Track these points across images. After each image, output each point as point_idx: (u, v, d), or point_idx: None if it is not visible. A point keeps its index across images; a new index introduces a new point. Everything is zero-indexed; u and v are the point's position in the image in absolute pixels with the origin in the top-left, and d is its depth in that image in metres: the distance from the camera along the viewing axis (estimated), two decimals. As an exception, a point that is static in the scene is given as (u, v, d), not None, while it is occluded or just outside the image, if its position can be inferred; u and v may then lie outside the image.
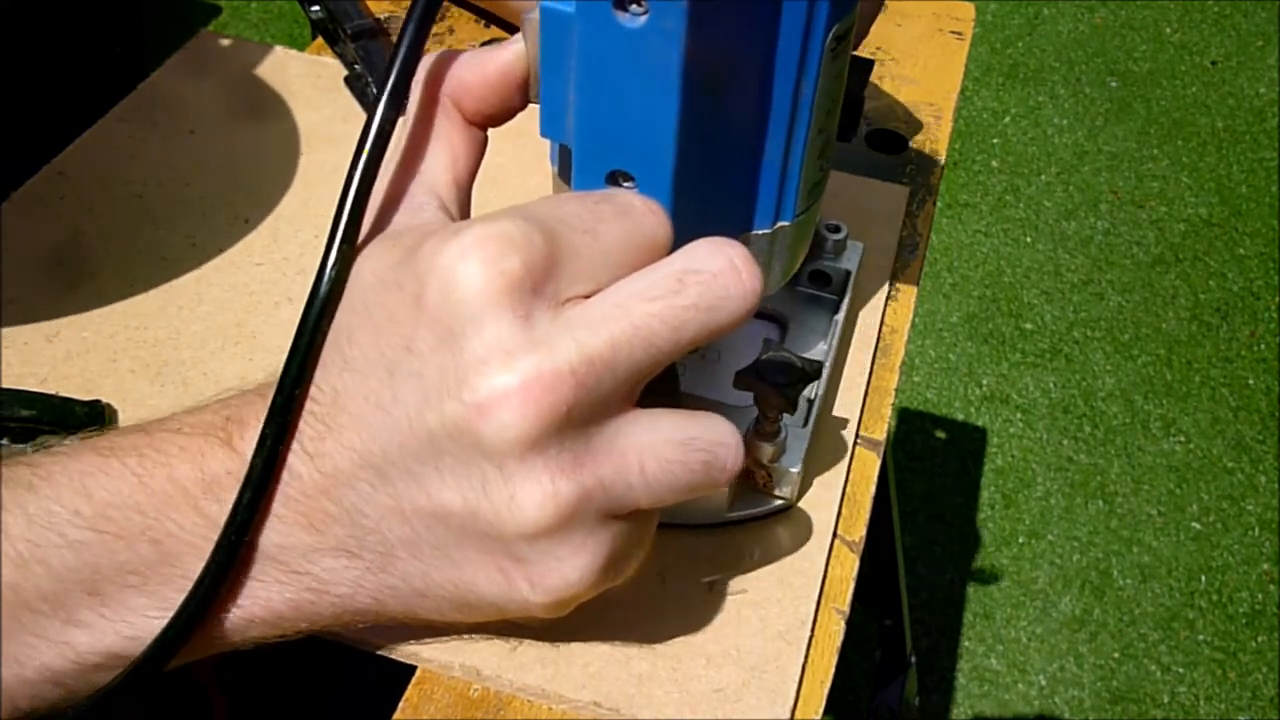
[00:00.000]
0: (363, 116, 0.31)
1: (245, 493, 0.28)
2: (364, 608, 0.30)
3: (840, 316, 0.45)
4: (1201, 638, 1.42)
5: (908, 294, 0.50)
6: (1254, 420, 1.66)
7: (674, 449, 0.28)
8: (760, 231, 0.35)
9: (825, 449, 0.42)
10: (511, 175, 0.53)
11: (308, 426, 0.28)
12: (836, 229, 0.46)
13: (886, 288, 0.49)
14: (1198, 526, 1.53)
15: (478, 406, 0.26)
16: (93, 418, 0.41)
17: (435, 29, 0.63)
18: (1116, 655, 1.40)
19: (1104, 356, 1.74)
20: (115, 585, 0.29)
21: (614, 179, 0.31)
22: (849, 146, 0.58)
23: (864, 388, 0.45)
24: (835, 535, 0.40)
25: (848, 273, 0.46)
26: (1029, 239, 1.92)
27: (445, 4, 0.64)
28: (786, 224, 0.35)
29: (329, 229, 0.29)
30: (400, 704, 0.35)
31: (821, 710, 0.36)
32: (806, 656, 0.37)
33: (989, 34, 2.32)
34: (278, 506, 0.29)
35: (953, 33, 0.66)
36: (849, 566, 0.40)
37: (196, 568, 0.29)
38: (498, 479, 0.27)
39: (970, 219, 1.95)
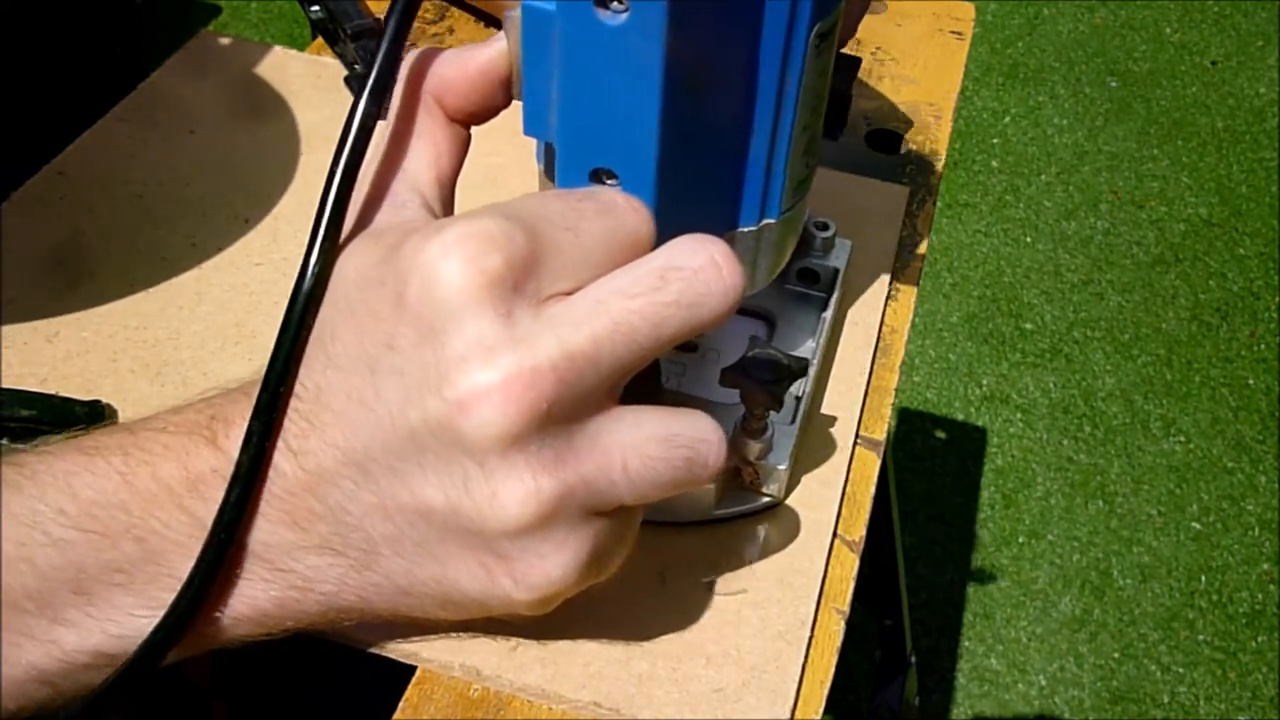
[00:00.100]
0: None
1: (233, 490, 0.28)
2: (349, 605, 0.30)
3: (828, 314, 0.45)
4: (1201, 638, 1.42)
5: (908, 294, 0.50)
6: (1254, 420, 1.66)
7: (656, 445, 0.28)
8: (746, 229, 0.35)
9: (815, 446, 0.42)
10: (511, 175, 0.53)
11: (291, 424, 0.28)
12: (825, 226, 0.46)
13: (886, 288, 0.49)
14: (1198, 526, 1.53)
15: (459, 403, 0.26)
16: (93, 418, 0.41)
17: (435, 29, 0.63)
18: (1116, 655, 1.40)
19: (1104, 356, 1.74)
20: (101, 584, 0.29)
21: (597, 176, 0.31)
22: (849, 146, 0.58)
23: (864, 388, 0.45)
24: (835, 535, 0.40)
25: (836, 270, 0.46)
26: (1029, 239, 1.92)
27: (445, 5, 0.64)
28: (772, 221, 0.35)
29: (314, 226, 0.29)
30: (400, 704, 0.35)
31: (821, 710, 0.36)
32: (806, 656, 0.37)
33: (989, 34, 2.32)
34: (262, 504, 0.29)
35: (953, 33, 0.66)
36: (849, 566, 0.40)
37: (182, 566, 0.29)
38: (479, 476, 0.27)
39: (970, 219, 1.95)
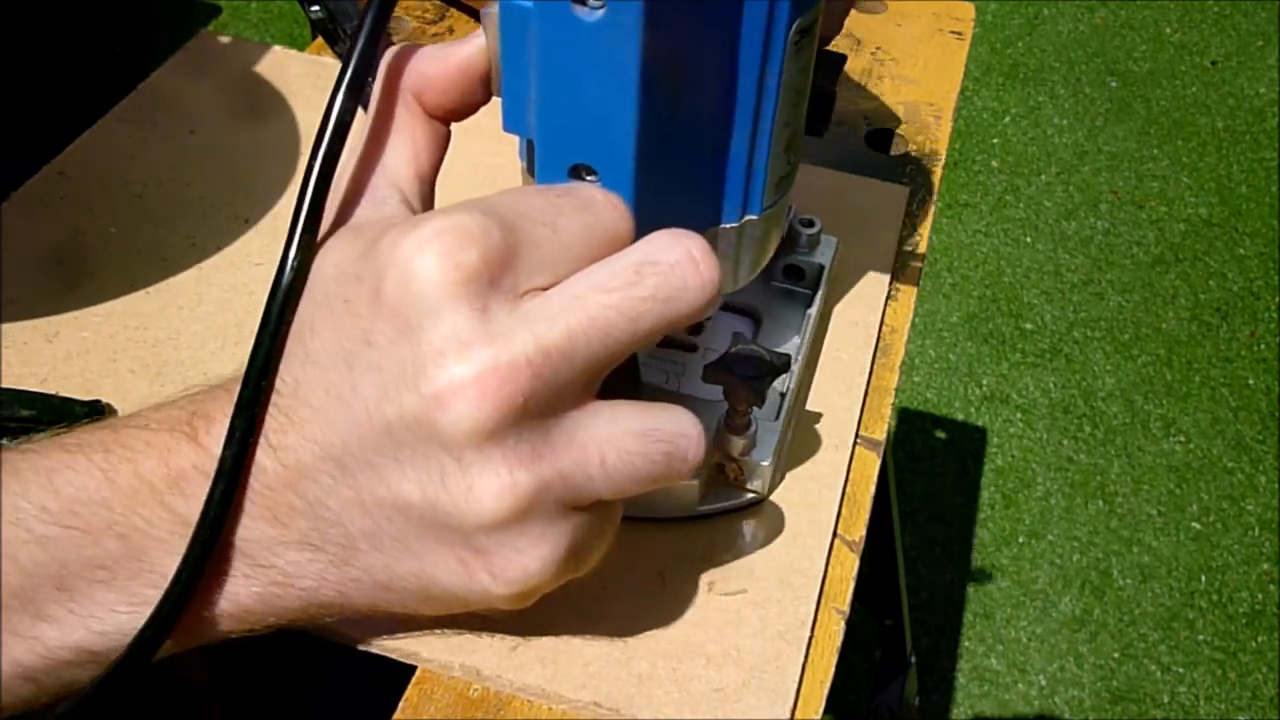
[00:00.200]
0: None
1: (217, 486, 0.28)
2: (329, 601, 0.30)
3: (813, 310, 0.45)
4: (1201, 638, 1.42)
5: (908, 294, 0.50)
6: (1254, 420, 1.66)
7: (634, 440, 0.28)
8: (728, 225, 0.35)
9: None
10: (512, 176, 0.53)
11: (271, 419, 0.28)
12: (810, 223, 0.46)
13: (886, 288, 0.49)
14: (1198, 526, 1.53)
15: (434, 398, 0.26)
16: (92, 418, 0.41)
17: (434, 29, 0.63)
18: (1116, 655, 1.40)
19: (1104, 356, 1.74)
20: (83, 580, 0.29)
21: (577, 173, 0.32)
22: (849, 146, 0.58)
23: (864, 388, 0.45)
24: (835, 535, 0.40)
25: (821, 267, 0.46)
26: (1029, 239, 1.92)
27: (444, 5, 0.64)
28: (754, 218, 0.35)
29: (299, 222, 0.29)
30: (400, 704, 0.35)
31: (821, 710, 0.36)
32: (806, 656, 0.37)
33: (989, 34, 2.32)
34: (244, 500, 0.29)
35: (953, 33, 0.66)
36: (849, 566, 0.40)
37: (164, 562, 0.29)
38: (455, 470, 0.27)
39: (970, 219, 1.95)
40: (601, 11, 0.28)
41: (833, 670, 0.37)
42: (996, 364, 1.73)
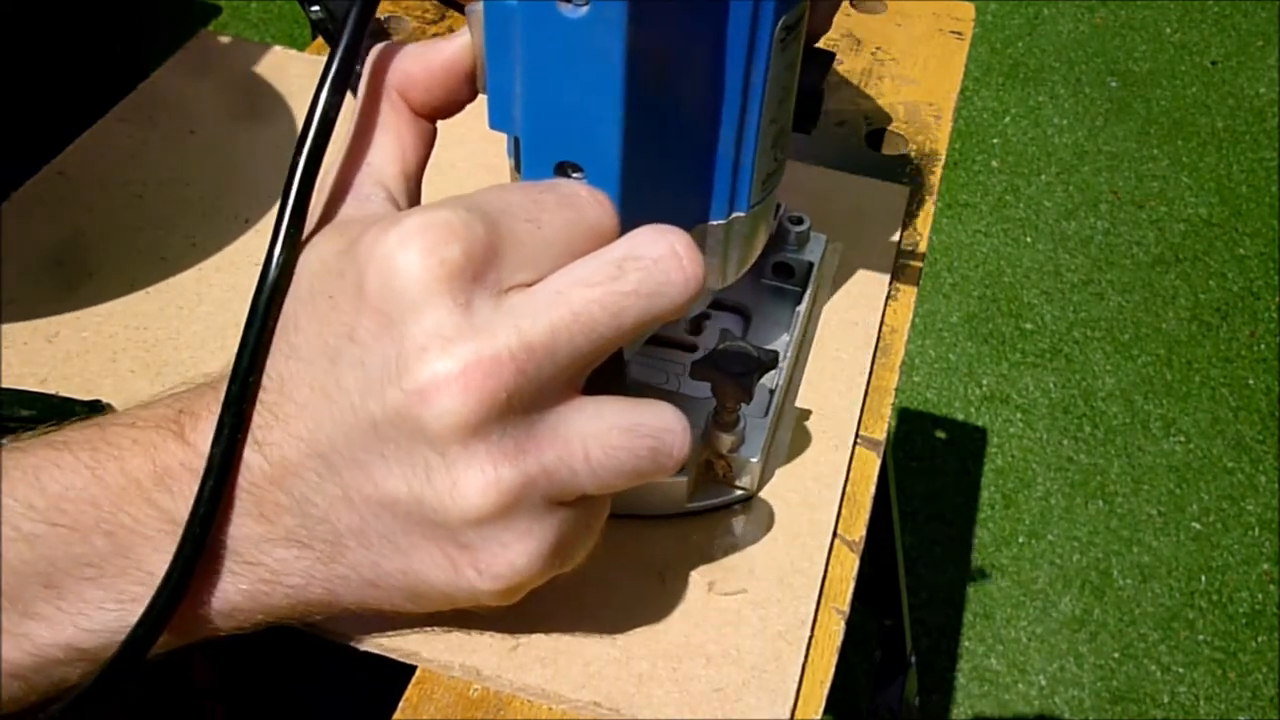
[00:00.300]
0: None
1: (207, 483, 0.28)
2: (317, 598, 0.30)
3: (802, 308, 0.45)
4: (1201, 638, 1.42)
5: (908, 294, 0.50)
6: (1254, 420, 1.66)
7: (619, 435, 0.28)
8: (715, 222, 0.35)
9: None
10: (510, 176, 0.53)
11: (257, 416, 0.29)
12: (799, 221, 0.46)
13: (886, 288, 0.49)
14: (1198, 526, 1.53)
15: (418, 393, 0.26)
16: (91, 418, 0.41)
17: (434, 29, 0.63)
18: (1116, 655, 1.40)
19: (1104, 356, 1.74)
20: (71, 578, 0.29)
21: (562, 170, 0.32)
22: (849, 146, 0.58)
23: (864, 388, 0.45)
24: (835, 535, 0.40)
25: (810, 264, 0.46)
26: (1029, 239, 1.92)
27: (444, 6, 0.64)
28: (741, 215, 0.35)
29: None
30: (400, 704, 0.35)
31: (821, 710, 0.36)
32: (806, 656, 0.37)
33: (989, 34, 2.32)
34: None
35: (953, 33, 0.66)
36: (849, 566, 0.40)
37: (151, 560, 0.29)
38: (440, 466, 0.27)
39: (970, 219, 1.95)
40: (586, 8, 0.28)
41: (833, 670, 0.37)
42: (996, 364, 1.73)
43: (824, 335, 0.47)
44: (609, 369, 0.30)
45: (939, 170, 0.56)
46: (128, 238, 0.49)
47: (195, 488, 0.28)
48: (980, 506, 1.54)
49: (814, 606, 0.38)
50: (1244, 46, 2.32)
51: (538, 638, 0.36)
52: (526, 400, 0.27)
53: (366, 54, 0.33)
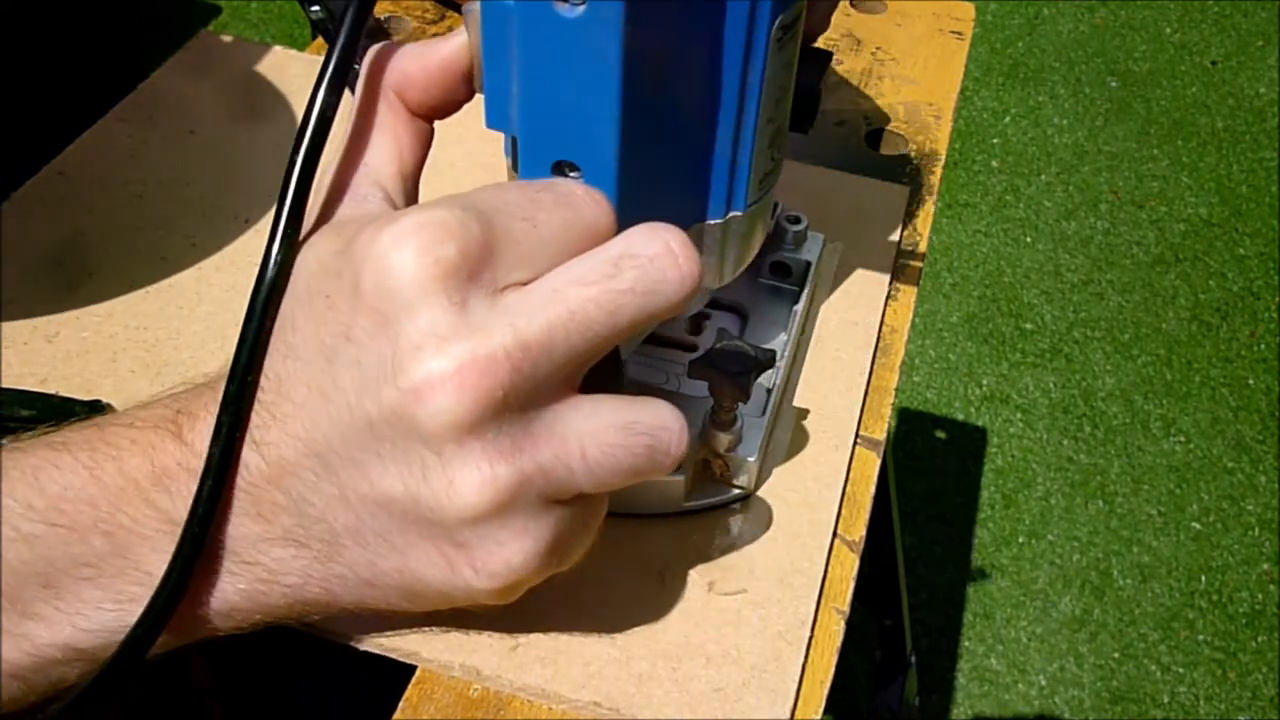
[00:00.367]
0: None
1: (205, 483, 0.28)
2: (314, 598, 0.30)
3: (799, 307, 0.45)
4: (1201, 638, 1.42)
5: (908, 294, 0.50)
6: (1254, 420, 1.66)
7: (616, 433, 0.28)
8: (712, 222, 0.35)
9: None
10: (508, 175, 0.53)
11: (254, 415, 0.29)
12: (796, 220, 0.46)
13: (886, 288, 0.49)
14: (1198, 526, 1.53)
15: (413, 392, 0.26)
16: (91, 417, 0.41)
17: (433, 29, 0.63)
18: (1116, 655, 1.40)
19: (1104, 356, 1.74)
20: (69, 578, 0.29)
21: (559, 169, 0.32)
22: (849, 146, 0.58)
23: (864, 388, 0.45)
24: (835, 535, 0.40)
25: (808, 264, 0.46)
26: (1029, 239, 1.92)
27: (444, 6, 0.64)
28: (738, 214, 0.35)
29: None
30: (400, 704, 0.35)
31: (821, 710, 0.36)
32: (806, 656, 0.37)
33: (989, 34, 2.32)
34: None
35: (953, 33, 0.66)
36: (849, 566, 0.40)
37: (149, 560, 0.29)
38: (436, 464, 0.27)
39: (970, 219, 1.95)
40: (582, 8, 0.28)
41: (833, 670, 0.37)
42: (996, 364, 1.73)
43: (824, 335, 0.47)
44: (606, 367, 0.30)
45: (939, 170, 0.56)
46: (128, 238, 0.49)
47: (193, 488, 0.28)
48: (980, 506, 1.54)
49: (814, 606, 0.38)
50: (1244, 46, 2.32)
51: (537, 637, 0.36)
52: (523, 398, 0.27)
53: (364, 54, 0.33)
